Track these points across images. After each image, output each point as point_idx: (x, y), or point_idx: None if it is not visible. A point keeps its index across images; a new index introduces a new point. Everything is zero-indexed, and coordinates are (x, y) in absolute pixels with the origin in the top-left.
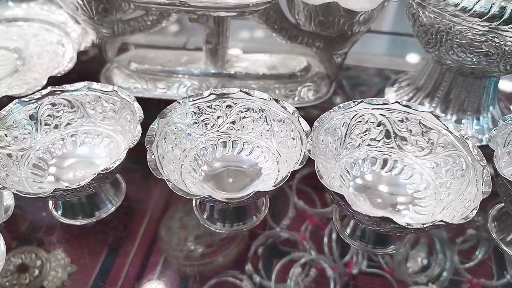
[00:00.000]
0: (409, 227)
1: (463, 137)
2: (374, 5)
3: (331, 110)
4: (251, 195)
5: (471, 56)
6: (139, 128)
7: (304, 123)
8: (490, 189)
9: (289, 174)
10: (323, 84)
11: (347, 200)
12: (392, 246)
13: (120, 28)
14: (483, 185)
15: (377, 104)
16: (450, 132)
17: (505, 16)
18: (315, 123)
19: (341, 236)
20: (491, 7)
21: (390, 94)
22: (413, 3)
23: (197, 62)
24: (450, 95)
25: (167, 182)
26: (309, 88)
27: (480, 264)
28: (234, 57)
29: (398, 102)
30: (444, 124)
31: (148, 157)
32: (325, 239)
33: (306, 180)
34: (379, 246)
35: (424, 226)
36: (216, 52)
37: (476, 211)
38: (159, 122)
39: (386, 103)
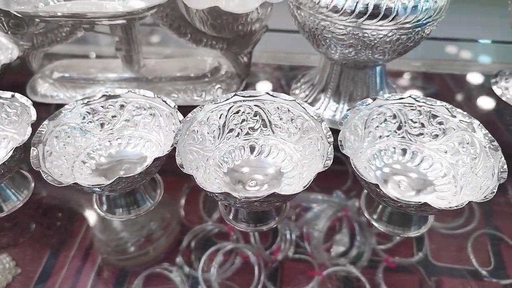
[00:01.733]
0: (244, 200)
1: (319, 118)
2: (252, 7)
3: (204, 103)
4: (113, 180)
5: (340, 48)
6: (29, 129)
7: (180, 117)
8: (330, 164)
9: (156, 162)
10: (233, 83)
11: (196, 179)
12: (272, 222)
13: (39, 41)
14: (325, 160)
15: (248, 96)
16: (310, 116)
17: (357, 11)
18: (187, 116)
19: (226, 221)
20: (345, 2)
21: (295, 91)
22: (290, 3)
23: (115, 69)
24: (339, 87)
25: (42, 174)
26: (219, 87)
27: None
28: (153, 62)
29: (268, 93)
30: (305, 110)
31: (31, 153)
32: None
33: None
34: (260, 224)
35: (256, 199)
36: (131, 58)
37: (307, 185)
38: (49, 123)
39: (257, 94)
